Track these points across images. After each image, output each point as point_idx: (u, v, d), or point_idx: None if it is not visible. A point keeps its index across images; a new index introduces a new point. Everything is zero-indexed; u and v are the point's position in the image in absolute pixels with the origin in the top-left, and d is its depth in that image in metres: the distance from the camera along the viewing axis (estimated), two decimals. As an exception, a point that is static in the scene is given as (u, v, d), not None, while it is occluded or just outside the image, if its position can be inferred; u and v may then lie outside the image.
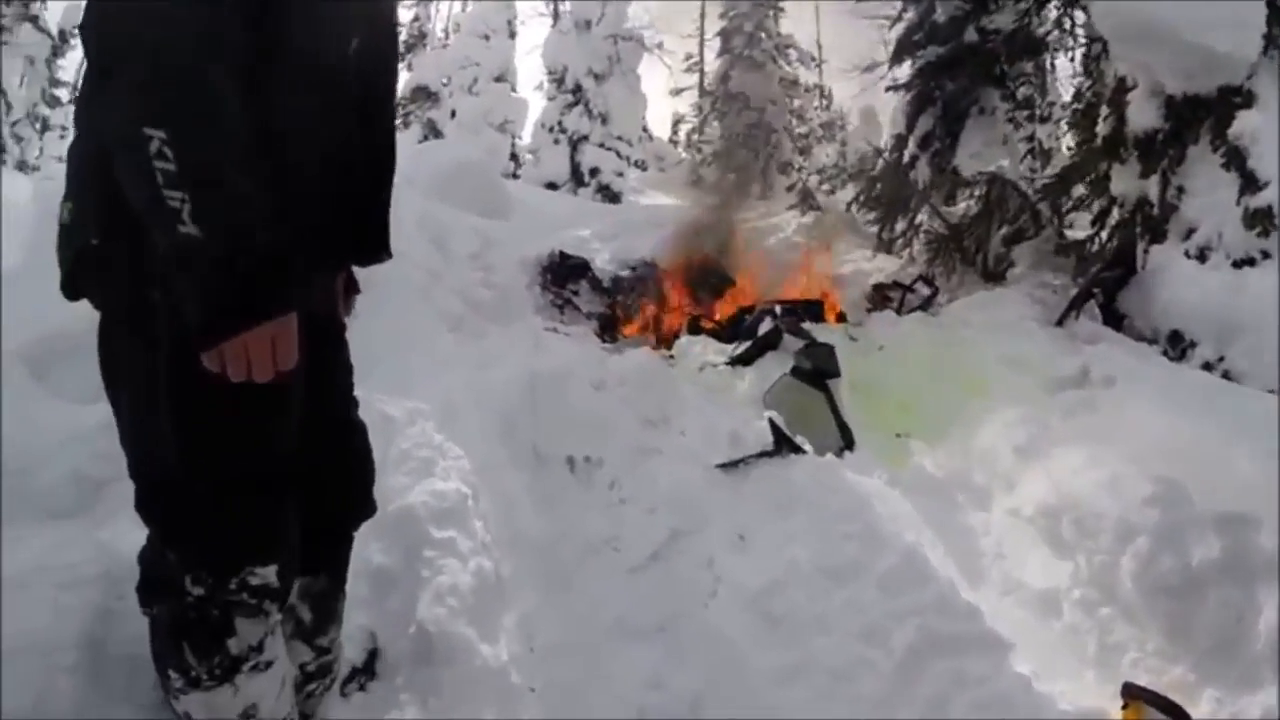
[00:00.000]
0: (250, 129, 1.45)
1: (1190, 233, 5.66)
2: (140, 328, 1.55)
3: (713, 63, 22.31)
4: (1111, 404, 4.35)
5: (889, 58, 9.96)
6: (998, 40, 8.58)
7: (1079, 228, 7.75)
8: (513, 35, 21.22)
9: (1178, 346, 5.46)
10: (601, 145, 18.13)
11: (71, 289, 1.64)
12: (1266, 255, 5.23)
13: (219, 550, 1.60)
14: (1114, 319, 6.02)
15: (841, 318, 7.27)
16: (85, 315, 1.68)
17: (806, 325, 6.13)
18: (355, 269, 2.02)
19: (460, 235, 6.56)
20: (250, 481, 1.60)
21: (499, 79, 20.38)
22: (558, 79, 18.90)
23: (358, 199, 1.80)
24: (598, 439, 4.15)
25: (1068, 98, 10.74)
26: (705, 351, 5.73)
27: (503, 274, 6.73)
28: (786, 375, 4.94)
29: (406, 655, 2.41)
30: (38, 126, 22.11)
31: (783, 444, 3.88)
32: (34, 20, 21.50)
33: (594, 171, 17.92)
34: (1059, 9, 8.48)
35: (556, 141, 18.46)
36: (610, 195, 17.35)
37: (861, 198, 10.27)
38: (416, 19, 22.96)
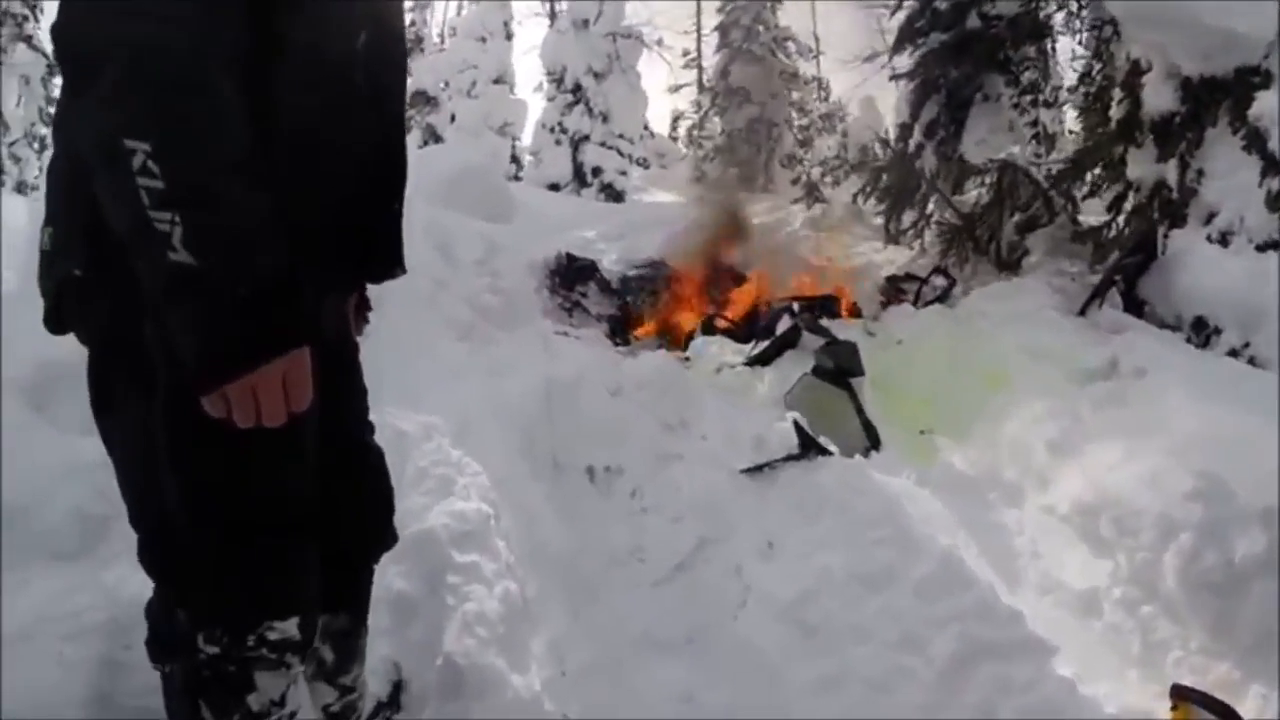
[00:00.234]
0: (248, 134, 1.27)
1: (1211, 217, 5.56)
2: (132, 365, 1.39)
3: (711, 58, 22.36)
4: (1144, 395, 4.24)
5: (890, 46, 9.93)
6: (1001, 25, 8.52)
7: (1091, 213, 7.66)
8: (510, 37, 21.16)
9: (1202, 333, 5.37)
10: (603, 144, 18.05)
11: (56, 322, 1.49)
12: (1291, 238, 5.14)
13: (233, 606, 1.45)
14: (1135, 306, 5.93)
15: (856, 312, 7.20)
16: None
17: (823, 321, 6.05)
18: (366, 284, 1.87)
19: (465, 241, 6.48)
20: (263, 530, 1.44)
21: (497, 81, 20.33)
22: (557, 79, 18.82)
23: (369, 210, 1.64)
24: (617, 446, 4.07)
25: (1070, 81, 10.64)
26: (722, 352, 5.66)
27: (510, 279, 6.65)
28: (808, 375, 4.84)
29: (434, 688, 2.31)
30: (35, 146, 22.05)
31: (809, 446, 3.79)
32: (28, 40, 21.51)
33: (596, 171, 17.85)
34: (1064, -9, 8.42)
35: (558, 142, 18.39)
36: (614, 194, 17.28)
37: (868, 189, 10.23)
38: (413, 24, 22.92)
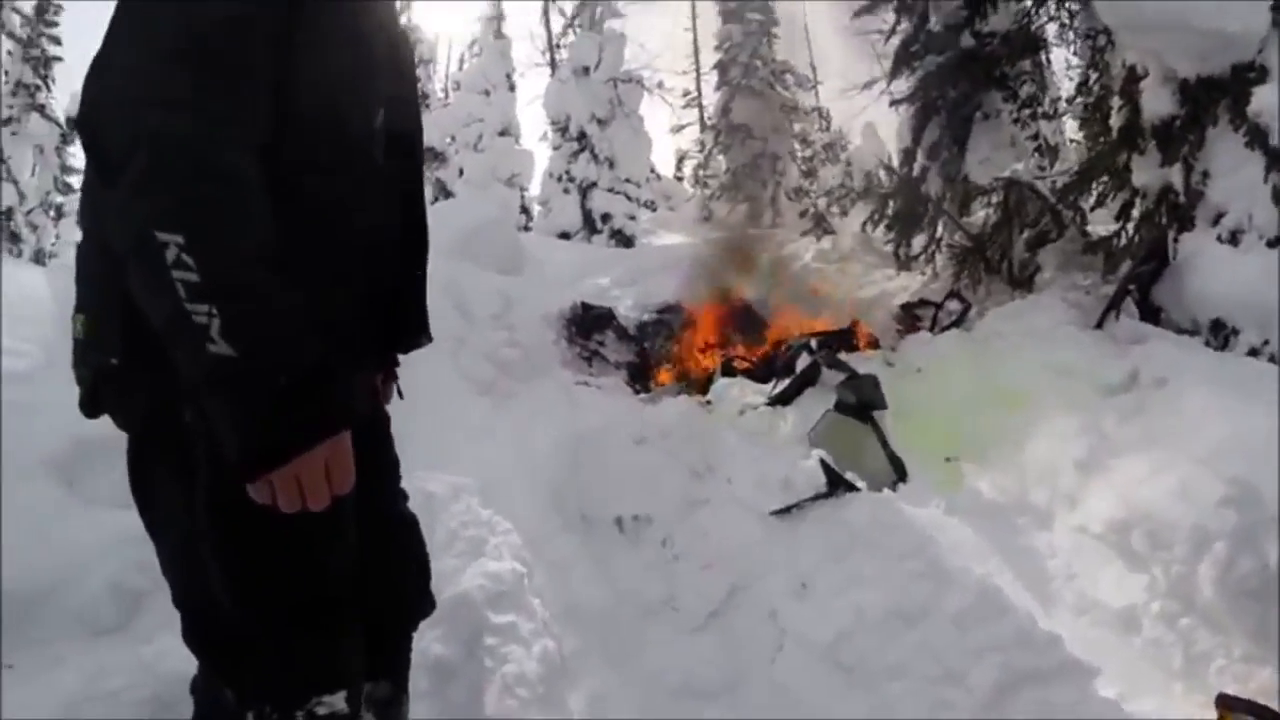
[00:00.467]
0: (277, 220, 1.28)
1: (1219, 217, 5.52)
2: (173, 452, 1.40)
3: (711, 96, 22.51)
4: (1167, 405, 4.21)
5: (887, 72, 9.99)
6: (995, 42, 8.56)
7: (1099, 223, 7.63)
8: (513, 88, 21.36)
9: (1220, 335, 5.33)
10: (611, 190, 18.14)
11: (92, 407, 1.51)
12: (1302, 230, 5.12)
13: (280, 685, 1.47)
14: (1151, 314, 5.89)
15: (874, 343, 7.17)
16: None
17: (841, 355, 6.05)
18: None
19: (482, 296, 6.53)
20: (307, 608, 1.46)
21: (503, 133, 20.52)
22: (561, 128, 18.97)
23: (395, 284, 1.68)
24: (645, 496, 4.08)
25: (1067, 91, 10.67)
26: (743, 393, 5.65)
27: (527, 331, 6.69)
28: (831, 411, 4.83)
29: (477, 752, 2.32)
30: (52, 214, 22.49)
31: (837, 483, 3.79)
32: (41, 109, 21.98)
33: (605, 217, 17.93)
34: (1056, 5, 8.43)
35: (566, 190, 18.51)
36: (624, 239, 17.35)
37: (875, 216, 10.24)
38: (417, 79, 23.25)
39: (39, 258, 19.40)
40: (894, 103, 9.96)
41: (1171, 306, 5.78)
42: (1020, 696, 2.81)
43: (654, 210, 21.09)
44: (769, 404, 5.33)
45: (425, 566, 1.95)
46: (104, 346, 1.43)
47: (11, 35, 21.80)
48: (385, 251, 1.62)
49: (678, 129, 25.42)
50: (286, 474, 1.25)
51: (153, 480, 1.51)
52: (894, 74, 9.80)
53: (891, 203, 9.92)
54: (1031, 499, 4.09)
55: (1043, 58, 9.49)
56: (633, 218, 18.17)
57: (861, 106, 11.32)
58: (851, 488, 3.80)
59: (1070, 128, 12.04)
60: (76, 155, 23.56)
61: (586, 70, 18.47)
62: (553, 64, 22.53)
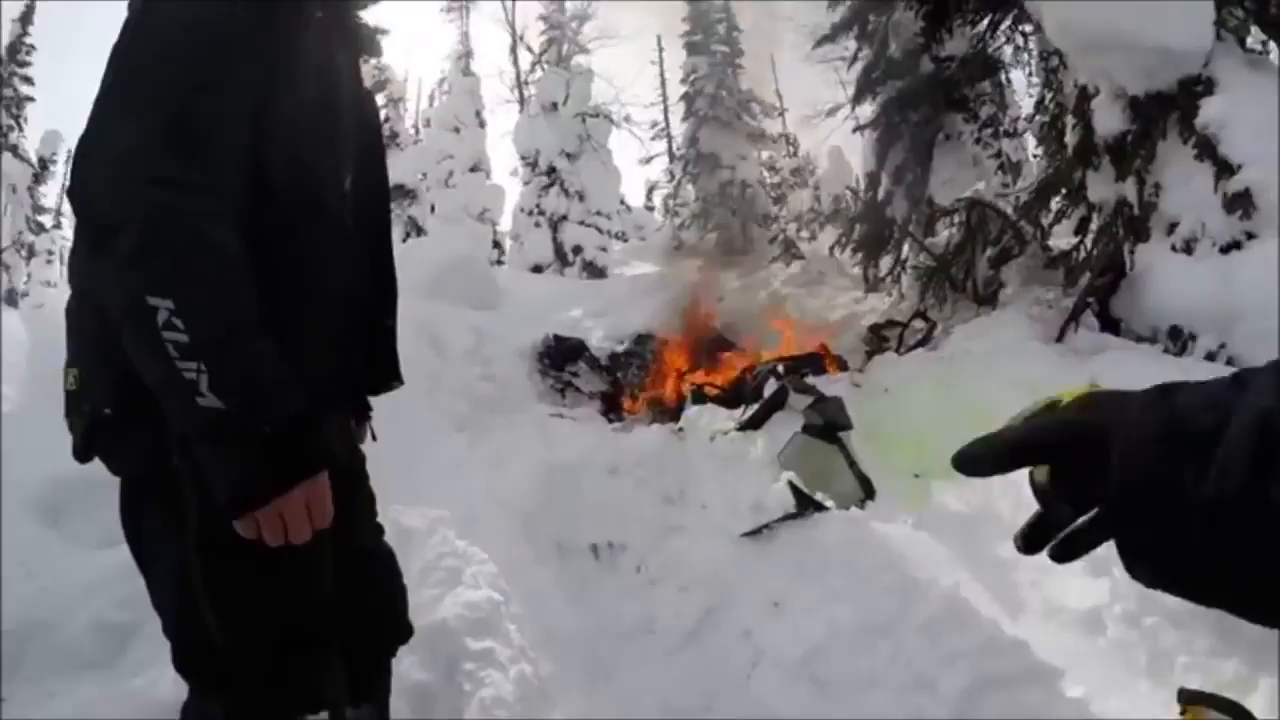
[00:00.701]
0: (256, 281, 1.42)
1: (1173, 227, 5.66)
2: (164, 495, 1.51)
3: (679, 126, 22.69)
4: (1124, 413, 4.31)
5: (851, 98, 10.13)
6: (953, 66, 8.71)
7: (1061, 238, 7.76)
8: (482, 125, 21.53)
9: (1178, 341, 5.44)
10: (581, 222, 18.26)
11: (85, 453, 1.61)
12: (1252, 236, 5.24)
13: (268, 705, 1.57)
14: (1111, 325, 6.01)
15: (842, 365, 7.26)
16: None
17: (809, 379, 6.12)
18: None
19: (456, 333, 6.60)
20: (291, 635, 1.57)
21: (474, 169, 20.63)
22: (531, 163, 19.10)
23: (366, 331, 1.82)
24: (619, 524, 4.14)
25: (1028, 109, 10.86)
26: (713, 420, 5.69)
27: (501, 365, 6.76)
28: (798, 433, 4.89)
29: (457, 774, 2.38)
30: (24, 253, 22.38)
31: (805, 504, 3.86)
32: (14, 150, 21.89)
33: (577, 249, 18.03)
34: (1009, 28, 8.60)
35: (537, 224, 18.61)
36: (596, 271, 17.42)
37: (843, 240, 10.36)
38: (387, 119, 23.28)
39: (11, 298, 19.31)
40: (857, 129, 10.11)
41: (1131, 316, 5.90)
42: (989, 700, 2.86)
43: (625, 241, 21.22)
44: (739, 429, 5.39)
45: (402, 595, 2.05)
46: (96, 398, 1.54)
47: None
48: (356, 305, 1.75)
49: (647, 160, 25.64)
50: (271, 512, 1.37)
51: (144, 520, 1.61)
52: (857, 100, 9.96)
53: (858, 226, 10.05)
54: (996, 510, 4.16)
55: (1002, 78, 9.68)
56: (604, 249, 18.28)
57: (828, 132, 11.47)
58: (820, 507, 3.87)
59: (1034, 144, 12.22)
60: (48, 195, 23.61)
61: (555, 106, 18.64)
62: (521, 100, 22.76)
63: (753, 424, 5.41)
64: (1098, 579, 3.46)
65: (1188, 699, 2.63)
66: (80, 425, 1.58)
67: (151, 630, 1.65)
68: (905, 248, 9.29)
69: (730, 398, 6.55)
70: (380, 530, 2.03)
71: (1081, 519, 0.67)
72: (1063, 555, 0.70)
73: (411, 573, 2.94)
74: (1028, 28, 8.46)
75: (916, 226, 9.01)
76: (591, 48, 21.86)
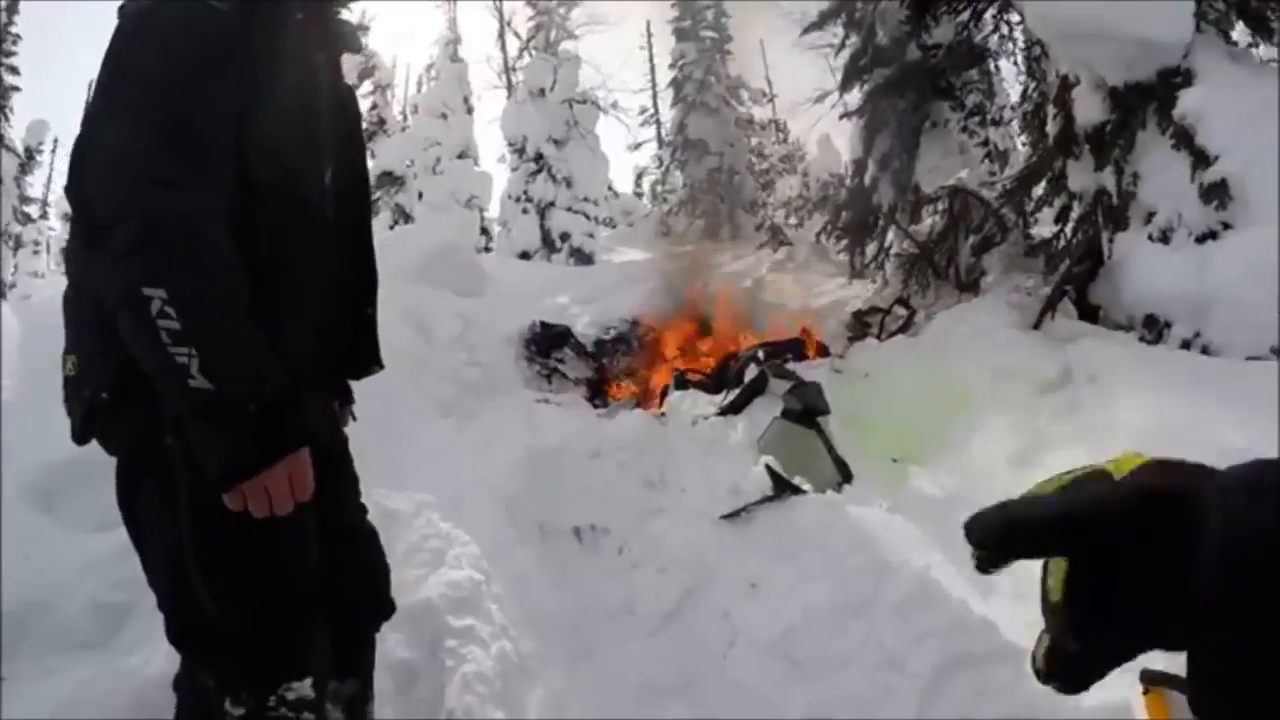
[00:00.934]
0: (244, 272, 1.53)
1: (1150, 216, 5.70)
2: (158, 473, 1.62)
3: (668, 113, 22.70)
4: (1098, 399, 4.39)
5: (838, 85, 10.15)
6: (940, 53, 8.73)
7: (1044, 225, 7.80)
8: (470, 111, 21.38)
9: (1154, 330, 5.49)
10: (569, 209, 18.21)
11: (84, 436, 1.71)
12: (1227, 226, 5.31)
13: (256, 673, 1.67)
14: (1089, 313, 6.07)
15: (824, 351, 7.32)
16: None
17: (790, 364, 6.18)
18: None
19: (442, 319, 6.63)
20: (276, 605, 1.67)
21: (461, 155, 20.50)
22: (519, 149, 19.03)
23: (347, 319, 1.91)
24: (601, 507, 4.21)
25: (1016, 98, 10.89)
26: (695, 405, 5.75)
27: (487, 351, 6.79)
28: (777, 418, 4.96)
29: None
30: (10, 244, 22.25)
31: (782, 487, 3.93)
32: (0, 140, 21.72)
33: (564, 236, 18.00)
34: (995, 16, 8.63)
35: (525, 211, 18.55)
36: (583, 257, 17.40)
37: (829, 226, 10.40)
38: (375, 106, 23.20)
39: (-2, 289, 19.26)
40: (844, 115, 10.12)
41: (1109, 304, 5.96)
42: (958, 679, 2.93)
43: (613, 227, 21.23)
44: (720, 414, 5.45)
45: (385, 573, 2.14)
46: (94, 382, 1.64)
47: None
48: (337, 294, 1.86)
49: (636, 146, 25.69)
50: (256, 485, 1.50)
51: (139, 498, 1.71)
52: (845, 87, 9.93)
53: (844, 213, 10.08)
54: (970, 495, 4.23)
55: (990, 66, 9.70)
56: (591, 235, 18.27)
57: (817, 118, 11.48)
58: (798, 491, 3.94)
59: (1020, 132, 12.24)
60: (34, 185, 23.44)
61: (542, 92, 18.59)
62: (509, 86, 22.67)
63: (733, 409, 5.47)
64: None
65: (1150, 679, 2.71)
66: (79, 409, 1.68)
67: (146, 609, 1.74)
68: (890, 234, 9.32)
69: (712, 383, 6.61)
70: (364, 510, 2.12)
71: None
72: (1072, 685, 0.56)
73: (396, 553, 3.02)
74: (1014, 17, 8.50)
75: (903, 214, 9.04)
76: (579, 33, 21.92)
